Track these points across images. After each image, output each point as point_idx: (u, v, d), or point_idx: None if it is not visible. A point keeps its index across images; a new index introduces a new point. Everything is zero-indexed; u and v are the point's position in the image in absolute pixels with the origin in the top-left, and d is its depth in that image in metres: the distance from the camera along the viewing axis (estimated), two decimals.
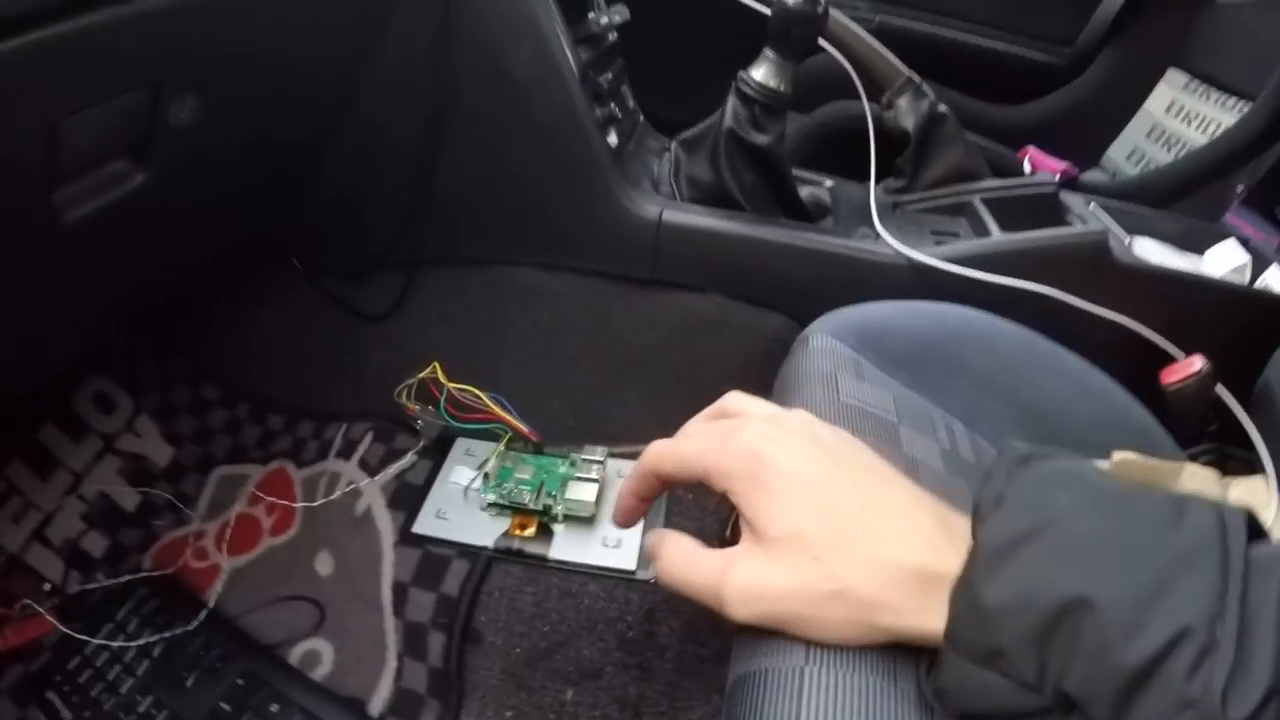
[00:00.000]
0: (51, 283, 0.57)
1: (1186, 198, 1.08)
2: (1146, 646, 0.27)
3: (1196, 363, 0.68)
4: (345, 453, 0.82)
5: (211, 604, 0.75)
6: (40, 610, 0.77)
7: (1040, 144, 1.10)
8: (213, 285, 0.90)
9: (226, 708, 0.68)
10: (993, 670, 0.30)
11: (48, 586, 0.81)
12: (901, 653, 0.34)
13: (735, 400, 0.43)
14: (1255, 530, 0.31)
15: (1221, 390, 0.68)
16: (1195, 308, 0.74)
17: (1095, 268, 0.73)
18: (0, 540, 0.82)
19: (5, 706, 0.71)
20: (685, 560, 0.39)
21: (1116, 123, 1.27)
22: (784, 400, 0.53)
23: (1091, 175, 1.25)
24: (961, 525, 0.35)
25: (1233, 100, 1.16)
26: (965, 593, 0.32)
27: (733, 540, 0.45)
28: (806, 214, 0.78)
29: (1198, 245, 0.84)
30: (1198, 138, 1.18)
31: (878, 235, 0.75)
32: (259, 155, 0.67)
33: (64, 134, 0.44)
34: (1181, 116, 1.22)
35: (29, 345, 0.63)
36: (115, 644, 0.73)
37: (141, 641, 0.73)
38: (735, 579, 0.35)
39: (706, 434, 0.40)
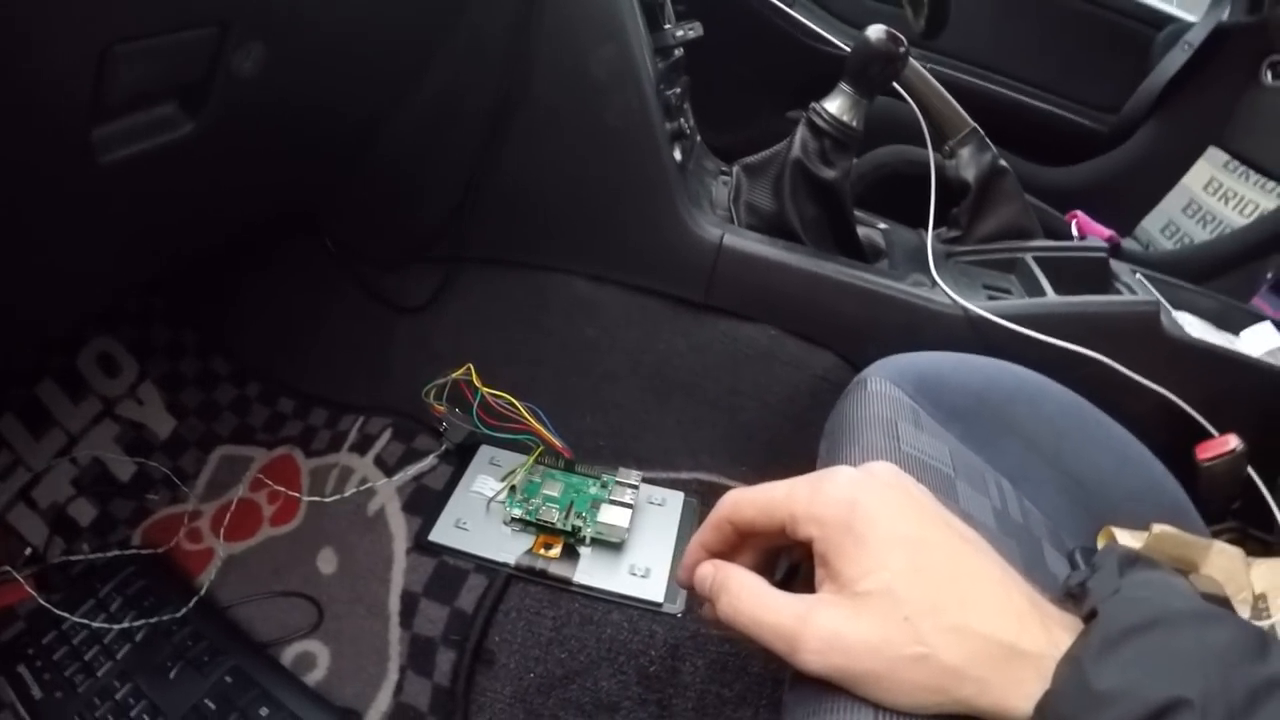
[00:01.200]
0: (76, 226, 0.52)
1: (1222, 276, 1.08)
2: None
3: (1231, 441, 0.69)
4: (360, 447, 0.78)
5: (203, 591, 0.71)
6: (17, 577, 0.72)
7: (1080, 208, 1.10)
8: (238, 255, 0.86)
9: (211, 705, 0.63)
10: None
11: (28, 551, 0.76)
12: None
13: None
14: None
15: (1251, 471, 0.69)
16: (1233, 386, 0.74)
17: (1144, 339, 0.73)
18: None
19: None
20: (758, 599, 0.36)
21: (1153, 195, 1.27)
22: (840, 441, 0.52)
23: (1126, 246, 1.25)
24: (1050, 607, 0.35)
25: (1272, 184, 1.16)
26: (1073, 671, 0.32)
27: (785, 587, 0.43)
28: (863, 254, 0.76)
29: (1233, 325, 0.84)
30: (1235, 218, 1.18)
31: (934, 283, 0.73)
32: (316, 121, 0.63)
33: (114, 64, 0.40)
34: (1219, 195, 1.22)
35: (45, 290, 0.58)
36: (95, 623, 0.68)
37: (125, 625, 0.68)
38: (817, 627, 0.34)
39: (793, 482, 0.38)
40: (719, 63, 0.89)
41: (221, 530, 0.76)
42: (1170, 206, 1.26)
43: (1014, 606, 0.34)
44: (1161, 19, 1.34)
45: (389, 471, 0.74)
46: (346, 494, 0.73)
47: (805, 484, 0.37)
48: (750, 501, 0.38)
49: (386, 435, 0.78)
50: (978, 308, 0.71)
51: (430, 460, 0.73)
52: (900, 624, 0.33)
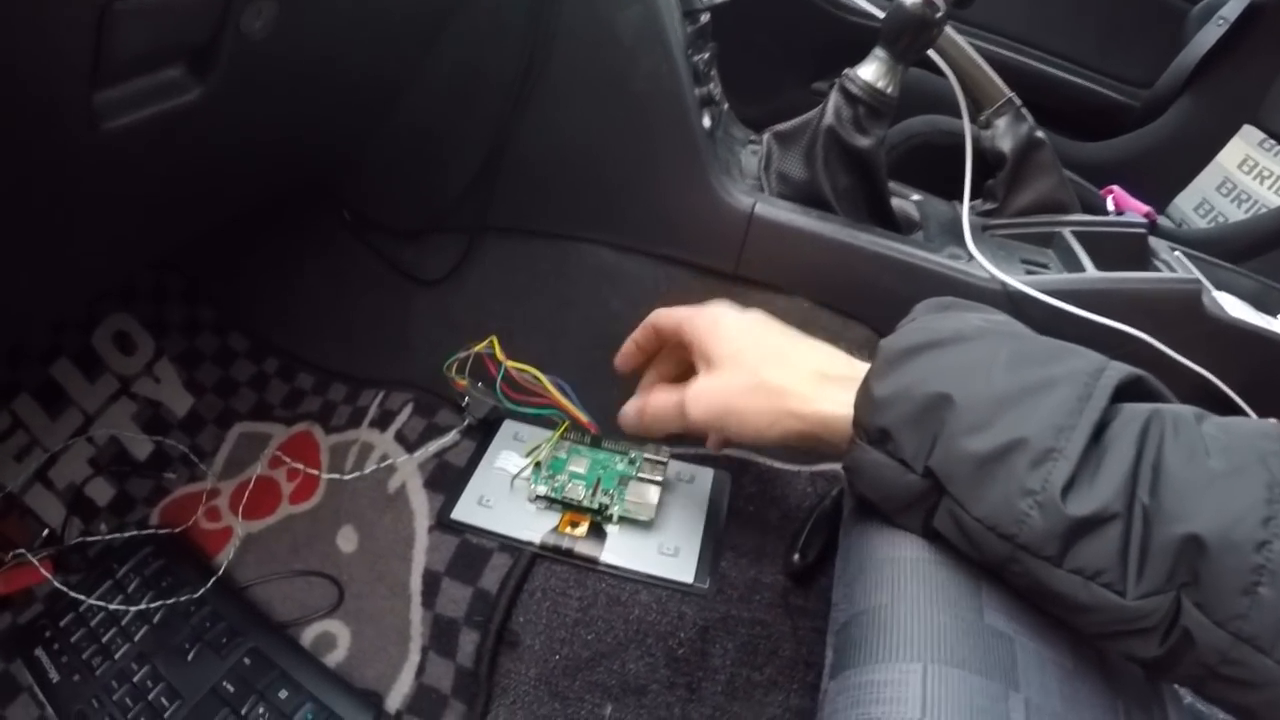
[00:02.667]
0: (81, 199, 0.49)
1: (1259, 256, 1.04)
2: (991, 440, 0.34)
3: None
4: (380, 423, 0.75)
5: (220, 571, 0.68)
6: (33, 561, 0.70)
7: (1113, 184, 1.06)
8: (253, 229, 0.83)
9: (230, 688, 0.61)
10: (882, 451, 0.38)
11: (45, 533, 0.74)
12: (1015, 711, 0.33)
13: None
14: (1154, 395, 0.37)
15: None
16: (1272, 367, 0.71)
17: (1185, 318, 0.69)
18: None
19: None
20: (659, 398, 0.53)
21: (1186, 172, 1.23)
22: None
23: (1160, 223, 1.21)
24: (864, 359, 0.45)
25: None
26: (863, 387, 0.40)
27: (802, 561, 0.62)
28: (897, 225, 0.73)
29: (1271, 307, 0.81)
30: (1270, 197, 1.14)
31: (970, 257, 0.70)
32: (332, 86, 0.60)
33: (115, 22, 0.37)
34: (1255, 173, 1.17)
35: (53, 267, 0.56)
36: (112, 605, 0.66)
37: (142, 606, 0.65)
38: (692, 392, 0.49)
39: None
40: (743, 33, 0.86)
41: (240, 508, 0.74)
42: (1204, 184, 1.22)
43: (830, 353, 0.48)
44: None
45: (410, 448, 0.71)
46: (366, 471, 0.71)
47: (693, 308, 0.54)
48: (666, 314, 0.55)
49: (407, 410, 0.75)
50: (1016, 282, 0.67)
51: (452, 436, 0.70)
52: (742, 371, 0.47)
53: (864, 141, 0.68)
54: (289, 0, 0.47)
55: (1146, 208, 0.92)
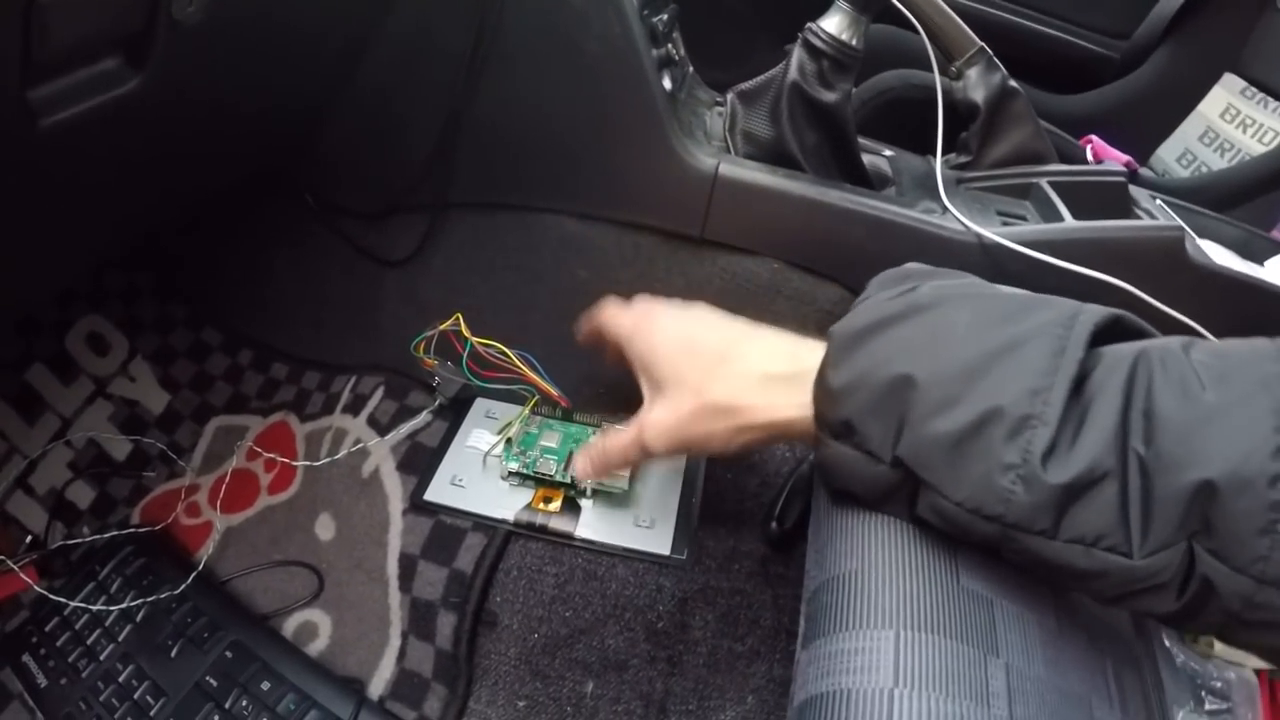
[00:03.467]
0: (28, 197, 0.48)
1: (1244, 204, 1.02)
2: (960, 417, 0.32)
3: None
4: (353, 408, 0.74)
5: (200, 565, 0.67)
6: (14, 568, 0.69)
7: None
8: (219, 222, 0.81)
9: (213, 682, 0.60)
10: (848, 445, 0.36)
11: (29, 539, 0.73)
12: (995, 678, 0.32)
13: None
14: (1136, 334, 0.34)
15: None
16: (1260, 317, 0.69)
17: (1168, 266, 0.67)
18: None
19: None
20: (615, 439, 0.49)
21: (1168, 122, 1.20)
22: None
23: (1142, 174, 1.19)
24: (815, 343, 0.41)
25: None
26: (819, 379, 0.38)
27: (780, 528, 0.60)
28: (869, 181, 0.71)
29: (1257, 255, 0.78)
30: (1253, 145, 1.12)
31: (945, 210, 0.68)
32: (276, 66, 0.58)
33: (44, 16, 0.36)
34: (1237, 122, 1.15)
35: (9, 267, 0.54)
36: (95, 606, 0.65)
37: (124, 605, 0.65)
38: (647, 425, 0.46)
39: (626, 312, 0.52)
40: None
41: (219, 502, 0.73)
42: (1187, 134, 1.19)
43: (773, 348, 0.43)
44: None
45: (382, 431, 0.70)
46: (340, 456, 0.69)
47: (630, 318, 0.51)
48: (607, 326, 0.52)
49: (379, 394, 0.74)
50: (992, 234, 0.65)
51: (424, 417, 0.69)
52: (686, 392, 0.44)
53: (830, 96, 0.66)
54: None
55: (1126, 157, 0.90)
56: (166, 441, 0.80)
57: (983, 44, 0.78)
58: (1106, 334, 0.33)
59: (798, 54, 0.65)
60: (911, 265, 0.47)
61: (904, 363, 0.34)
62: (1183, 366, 0.31)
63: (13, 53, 0.36)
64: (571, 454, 0.63)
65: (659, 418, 0.45)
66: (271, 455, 0.74)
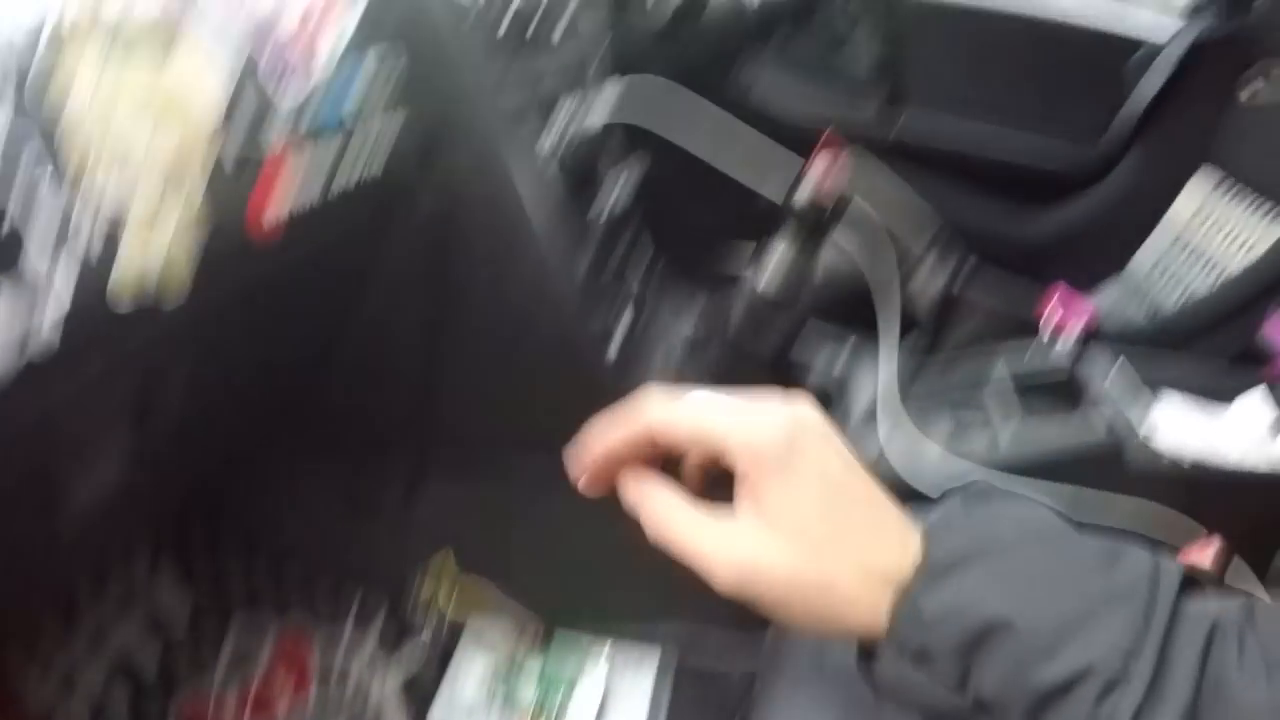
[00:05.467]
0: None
1: (1207, 339, 1.06)
2: (1057, 671, 0.31)
3: (1215, 544, 0.71)
4: (362, 625, 0.83)
5: None
6: None
7: (1067, 254, 1.09)
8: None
9: None
10: (921, 671, 0.34)
11: None
12: None
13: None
14: (1192, 585, 0.34)
15: (1237, 569, 0.71)
16: (1214, 491, 0.75)
17: (1110, 466, 0.74)
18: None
19: None
20: (679, 520, 0.37)
21: (1140, 229, 1.25)
22: None
23: (1112, 293, 1.24)
24: (915, 539, 0.38)
25: (1267, 204, 1.13)
26: (907, 600, 0.35)
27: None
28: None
29: (1225, 394, 0.82)
30: (1226, 251, 1.15)
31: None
32: (254, 392, 0.68)
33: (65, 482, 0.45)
34: (1210, 224, 1.19)
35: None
36: None
37: None
38: (735, 554, 0.36)
39: (725, 408, 0.37)
40: (668, 201, 0.89)
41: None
42: (1160, 241, 1.24)
43: (880, 525, 0.37)
44: (1130, 45, 1.30)
45: (385, 660, 0.79)
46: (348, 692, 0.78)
47: (738, 415, 0.37)
48: (682, 424, 0.37)
49: (381, 616, 0.83)
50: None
51: (421, 649, 0.78)
52: (798, 547, 0.36)
53: (765, 348, 0.74)
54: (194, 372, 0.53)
55: (1089, 312, 0.94)
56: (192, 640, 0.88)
57: (937, 230, 0.85)
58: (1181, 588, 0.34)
59: (736, 309, 0.73)
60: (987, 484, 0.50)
61: (1002, 604, 0.33)
62: (1253, 646, 0.32)
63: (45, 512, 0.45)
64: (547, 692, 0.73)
65: (758, 560, 0.35)
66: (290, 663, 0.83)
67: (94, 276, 0.35)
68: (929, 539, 0.36)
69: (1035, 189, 1.28)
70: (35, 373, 0.34)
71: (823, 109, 1.17)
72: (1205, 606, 0.33)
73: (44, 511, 0.48)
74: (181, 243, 0.39)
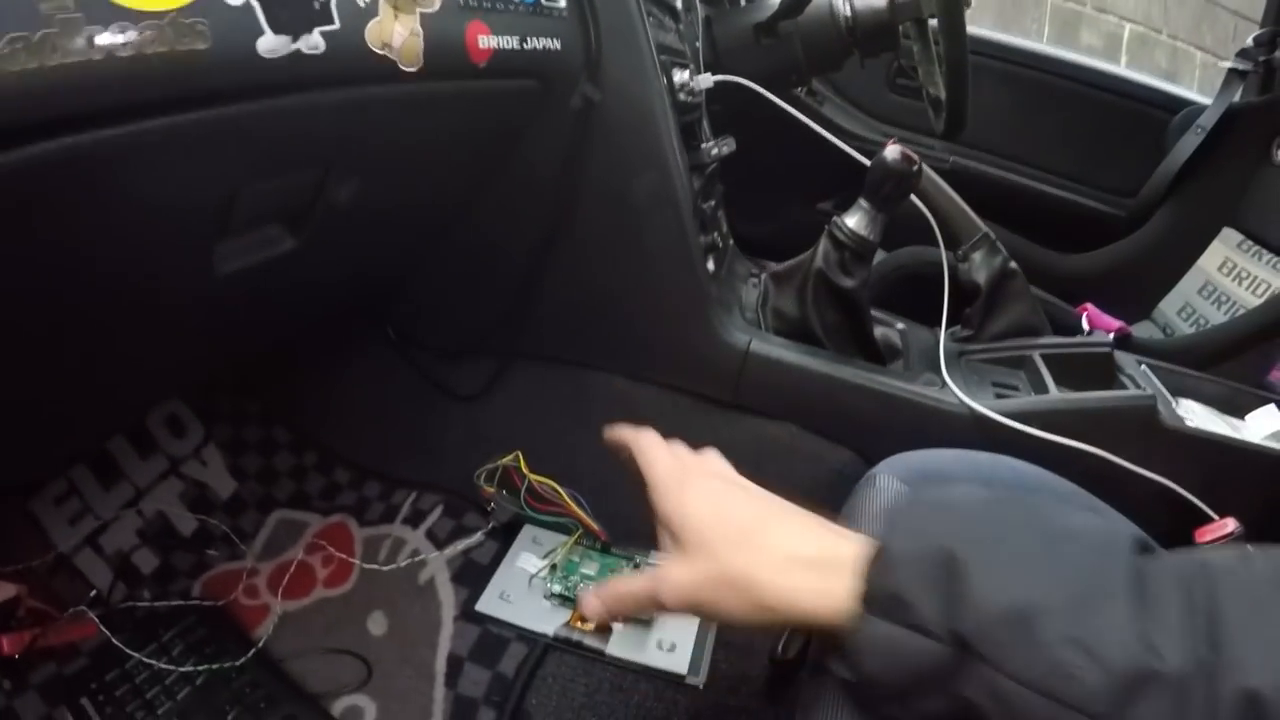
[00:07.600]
0: (192, 324, 0.64)
1: (1233, 359, 1.16)
2: (1025, 592, 0.34)
3: (1230, 524, 0.75)
4: (412, 520, 0.89)
5: (260, 643, 0.80)
6: (92, 616, 0.79)
7: (1099, 293, 1.18)
8: (305, 337, 0.97)
9: None
10: (894, 622, 0.37)
11: (93, 594, 0.85)
12: None
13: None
14: (1145, 547, 0.38)
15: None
16: (1232, 471, 0.81)
17: (1142, 430, 0.80)
18: (53, 537, 0.88)
19: (31, 702, 0.74)
20: (628, 584, 0.49)
21: (1170, 277, 1.36)
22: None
23: (1143, 330, 1.34)
24: (851, 535, 0.44)
25: None
26: (875, 549, 0.40)
27: (783, 655, 0.66)
28: (880, 356, 0.86)
29: (1239, 409, 0.90)
30: (1248, 298, 1.27)
31: (944, 384, 0.83)
32: (393, 234, 0.75)
33: (241, 198, 0.51)
34: (1234, 275, 1.30)
35: (156, 376, 0.70)
36: (159, 664, 0.77)
37: (186, 668, 0.77)
38: (666, 583, 0.46)
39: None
40: (752, 160, 1.00)
41: (280, 589, 0.86)
42: (1187, 288, 1.35)
43: (803, 530, 0.45)
44: (1176, 103, 1.44)
45: (439, 545, 0.85)
46: (400, 564, 0.84)
47: (664, 466, 0.52)
48: (646, 458, 0.54)
49: (438, 511, 0.89)
50: (983, 407, 0.79)
51: (478, 537, 0.84)
52: (707, 559, 0.45)
53: (849, 283, 0.82)
54: (369, 175, 0.61)
55: (1118, 324, 1.05)
56: (230, 525, 0.94)
57: (987, 230, 0.94)
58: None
59: (823, 244, 0.82)
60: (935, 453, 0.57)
61: (970, 536, 0.37)
62: (1246, 576, 0.34)
63: (215, 220, 0.52)
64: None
65: (677, 576, 0.46)
66: (331, 551, 0.88)
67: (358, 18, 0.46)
68: (892, 518, 0.42)
69: (1072, 236, 1.40)
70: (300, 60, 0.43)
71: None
72: (1191, 554, 0.37)
73: (197, 275, 0.55)
74: (414, 29, 0.51)
